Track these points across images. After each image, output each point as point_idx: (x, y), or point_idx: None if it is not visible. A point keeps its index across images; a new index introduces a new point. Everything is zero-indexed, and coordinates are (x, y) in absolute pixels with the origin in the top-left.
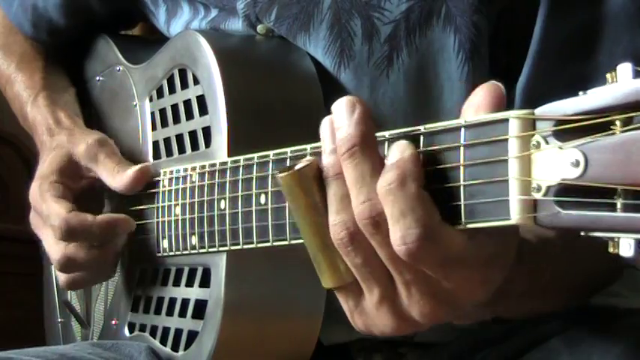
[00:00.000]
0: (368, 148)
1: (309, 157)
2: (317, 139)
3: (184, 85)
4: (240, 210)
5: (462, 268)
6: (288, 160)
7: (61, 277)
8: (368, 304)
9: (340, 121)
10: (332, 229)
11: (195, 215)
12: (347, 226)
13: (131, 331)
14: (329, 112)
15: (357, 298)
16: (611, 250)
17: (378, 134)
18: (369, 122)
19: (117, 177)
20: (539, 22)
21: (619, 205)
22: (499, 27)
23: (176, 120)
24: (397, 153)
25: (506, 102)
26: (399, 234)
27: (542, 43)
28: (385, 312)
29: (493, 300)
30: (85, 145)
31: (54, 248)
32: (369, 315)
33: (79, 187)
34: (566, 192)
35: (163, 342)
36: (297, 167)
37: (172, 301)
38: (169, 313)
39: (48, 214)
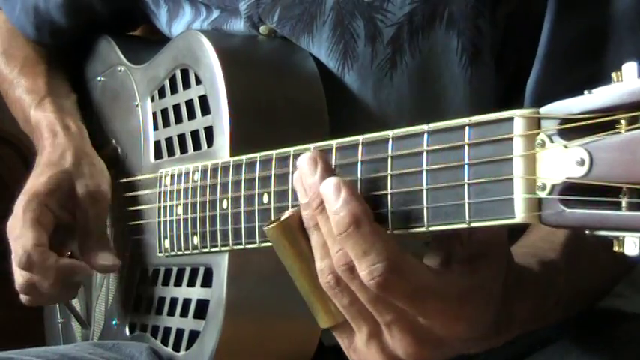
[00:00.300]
0: (361, 225)
1: (291, 209)
2: (319, 139)
3: (186, 85)
4: (242, 210)
5: (433, 301)
6: (273, 212)
7: (22, 296)
8: (359, 342)
9: (306, 179)
10: (319, 273)
11: (197, 215)
12: (332, 270)
13: (132, 331)
14: (332, 113)
15: (350, 337)
16: (616, 248)
17: (381, 133)
18: (330, 174)
19: (92, 255)
20: (546, 25)
21: (624, 204)
22: (507, 30)
23: (178, 120)
24: (334, 198)
25: None
26: (366, 271)
27: (549, 46)
28: (374, 350)
29: (495, 331)
30: (82, 190)
31: (17, 270)
32: (361, 352)
33: (63, 219)
34: (571, 191)
35: (165, 342)
36: (281, 219)
37: (174, 300)
38: (171, 312)
39: (18, 235)
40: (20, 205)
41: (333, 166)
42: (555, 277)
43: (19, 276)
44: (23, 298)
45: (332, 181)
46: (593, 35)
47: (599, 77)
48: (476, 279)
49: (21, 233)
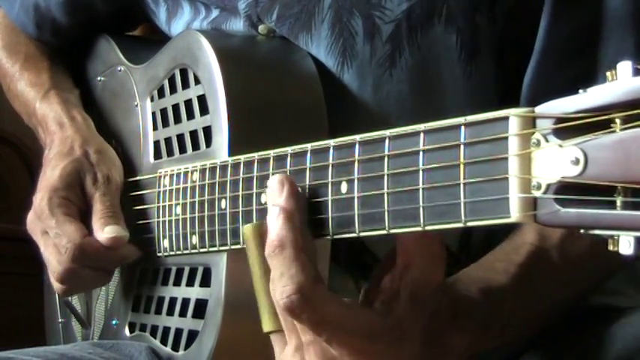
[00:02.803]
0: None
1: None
2: (318, 138)
3: (185, 85)
4: (240, 209)
5: (341, 335)
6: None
7: (57, 286)
8: (288, 351)
9: (271, 198)
10: (270, 282)
11: (196, 215)
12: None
13: (131, 331)
14: (330, 113)
15: (281, 346)
16: (610, 247)
17: (378, 132)
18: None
19: (100, 227)
20: (543, 21)
21: (619, 203)
22: (506, 27)
23: (177, 120)
24: (273, 221)
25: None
26: (278, 291)
27: (546, 42)
28: None
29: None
30: (91, 178)
31: (56, 259)
32: None
33: (84, 205)
34: (566, 190)
35: (164, 342)
36: (258, 223)
37: (173, 300)
38: (170, 312)
39: (59, 232)
40: (43, 202)
41: (330, 165)
42: (499, 305)
43: (60, 266)
44: (60, 288)
45: (276, 203)
46: (588, 32)
47: (595, 74)
48: (389, 320)
49: (61, 230)
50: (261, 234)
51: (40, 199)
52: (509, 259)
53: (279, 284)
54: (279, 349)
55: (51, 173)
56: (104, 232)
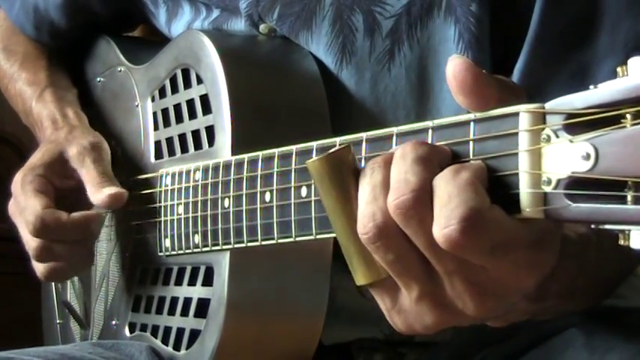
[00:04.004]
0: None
1: (342, 142)
2: (321, 137)
3: (187, 85)
4: (244, 208)
5: (510, 253)
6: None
7: (39, 268)
8: (406, 300)
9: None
10: (358, 221)
11: (199, 214)
12: (375, 219)
13: (132, 331)
14: (332, 111)
15: (394, 296)
16: (621, 242)
17: (385, 130)
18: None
19: (95, 190)
20: (536, 10)
21: (629, 198)
22: (497, 16)
23: (179, 119)
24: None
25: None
26: (443, 219)
27: (539, 31)
28: (427, 307)
29: (533, 299)
30: (77, 148)
31: (28, 237)
32: (409, 312)
33: (65, 186)
34: (577, 185)
35: (165, 341)
36: (330, 152)
37: (174, 300)
38: (171, 312)
39: (24, 206)
40: (17, 182)
41: None
42: (588, 251)
43: (33, 242)
44: (41, 271)
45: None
46: (585, 21)
47: (590, 63)
48: (547, 232)
49: (26, 204)
50: (340, 164)
51: (15, 179)
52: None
53: (445, 210)
54: (390, 302)
55: (32, 157)
56: (101, 192)
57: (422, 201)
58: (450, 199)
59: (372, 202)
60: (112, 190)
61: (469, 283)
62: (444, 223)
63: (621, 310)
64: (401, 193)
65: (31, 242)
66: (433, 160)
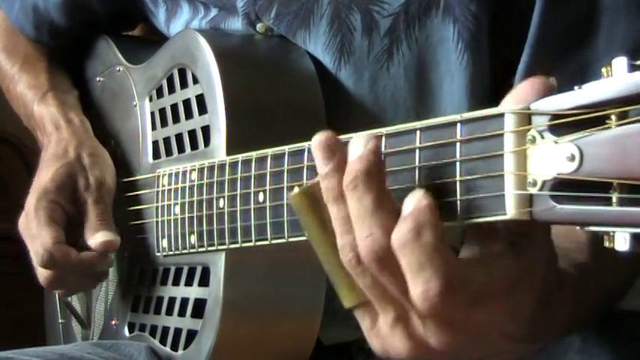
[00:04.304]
0: (372, 181)
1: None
2: None
3: (184, 85)
4: (238, 208)
5: (486, 301)
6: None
7: (49, 288)
8: (382, 324)
9: (352, 153)
10: (340, 250)
11: (194, 214)
12: (353, 248)
13: (131, 331)
14: (329, 111)
15: (373, 318)
16: (606, 244)
17: (374, 130)
18: (376, 155)
19: (92, 233)
20: (537, 12)
21: (614, 199)
22: (498, 17)
23: (175, 119)
24: (412, 204)
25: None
26: (420, 289)
27: (540, 33)
28: (400, 334)
29: (533, 333)
30: (83, 182)
31: (36, 263)
32: (384, 336)
33: (74, 210)
34: (562, 186)
35: (163, 342)
36: (306, 185)
37: (172, 300)
38: (169, 312)
39: (35, 234)
40: (31, 203)
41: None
42: (587, 283)
43: (43, 273)
44: (51, 289)
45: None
46: (584, 23)
47: (590, 65)
48: (522, 262)
49: (38, 233)
50: (315, 199)
51: (29, 200)
52: (575, 240)
53: (420, 279)
54: (370, 323)
55: (44, 175)
56: (95, 237)
57: (387, 261)
58: (421, 268)
59: (346, 234)
60: (106, 236)
61: (442, 324)
62: (424, 293)
63: (622, 312)
64: (367, 251)
65: (41, 270)
66: (386, 205)
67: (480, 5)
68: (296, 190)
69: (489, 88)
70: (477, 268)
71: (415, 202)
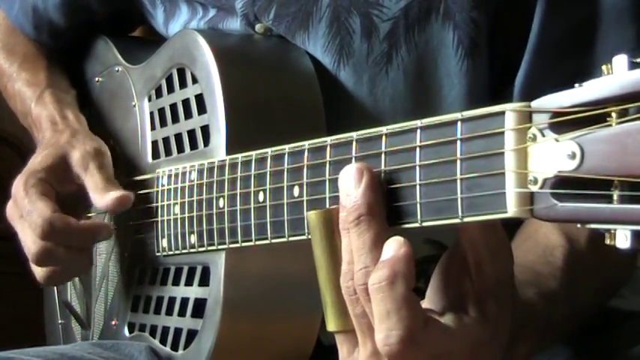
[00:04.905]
0: (373, 219)
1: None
2: (315, 137)
3: (183, 85)
4: (238, 208)
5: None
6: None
7: (38, 271)
8: (360, 356)
9: (348, 189)
10: (342, 275)
11: (194, 214)
12: (353, 277)
13: (131, 331)
14: (327, 111)
15: (351, 347)
16: (607, 241)
17: (374, 129)
18: (375, 191)
19: (100, 195)
20: (536, 19)
21: (615, 197)
22: (497, 23)
23: (175, 119)
24: (391, 250)
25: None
26: (382, 334)
27: (539, 39)
28: None
29: None
30: (80, 153)
31: (31, 240)
32: None
33: (66, 190)
34: (563, 184)
35: (163, 341)
36: (326, 208)
37: (172, 300)
38: (169, 312)
39: (30, 209)
40: (19, 185)
41: (327, 163)
42: (556, 310)
43: (34, 245)
44: (40, 274)
45: (398, 240)
46: (583, 28)
47: (590, 71)
48: (488, 330)
49: (32, 207)
50: (330, 221)
51: (16, 182)
52: (550, 263)
53: (385, 326)
54: (347, 351)
55: (32, 159)
56: (108, 195)
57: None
58: (388, 316)
59: (350, 264)
60: (118, 193)
61: None
62: (385, 339)
63: (625, 313)
64: (359, 282)
65: (31, 245)
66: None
67: (481, 12)
68: (316, 210)
69: (489, 93)
70: (443, 331)
71: (395, 248)
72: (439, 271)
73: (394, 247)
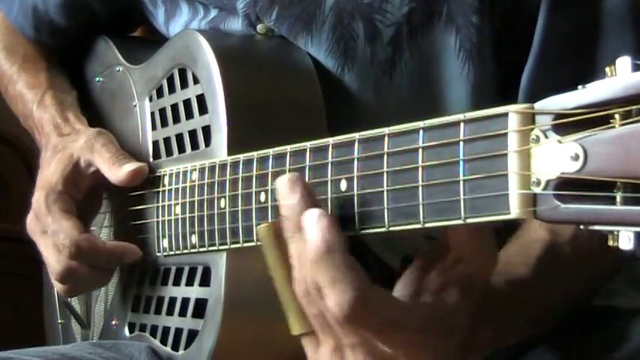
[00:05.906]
0: (315, 224)
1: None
2: (316, 137)
3: (184, 85)
4: (240, 208)
5: (400, 334)
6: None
7: (59, 286)
8: (323, 353)
9: (284, 199)
10: (294, 282)
11: (195, 214)
12: (304, 280)
13: (131, 331)
14: (329, 112)
15: (315, 347)
16: (610, 243)
17: (377, 130)
18: (310, 198)
19: (113, 169)
20: (540, 21)
21: (618, 199)
22: (504, 26)
23: (176, 119)
24: (312, 225)
25: None
26: (334, 300)
27: (544, 42)
28: None
29: (461, 357)
30: (84, 139)
31: (55, 259)
32: None
33: (83, 192)
34: (566, 186)
35: (164, 341)
36: (273, 221)
37: (172, 300)
38: (169, 312)
39: (56, 229)
40: (40, 200)
41: (329, 163)
42: (523, 295)
43: (58, 265)
44: (61, 288)
45: (313, 212)
46: (586, 30)
47: (594, 73)
48: (442, 314)
49: (58, 227)
50: (277, 233)
51: (37, 198)
52: (526, 253)
53: (334, 292)
54: (312, 351)
55: (46, 170)
56: (122, 169)
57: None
58: (335, 282)
59: (299, 269)
60: (132, 166)
61: (368, 355)
62: (338, 304)
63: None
64: (309, 283)
65: (55, 265)
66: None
67: (482, 16)
68: (263, 224)
69: (493, 97)
70: (392, 300)
71: (315, 223)
72: (412, 266)
73: (313, 221)
